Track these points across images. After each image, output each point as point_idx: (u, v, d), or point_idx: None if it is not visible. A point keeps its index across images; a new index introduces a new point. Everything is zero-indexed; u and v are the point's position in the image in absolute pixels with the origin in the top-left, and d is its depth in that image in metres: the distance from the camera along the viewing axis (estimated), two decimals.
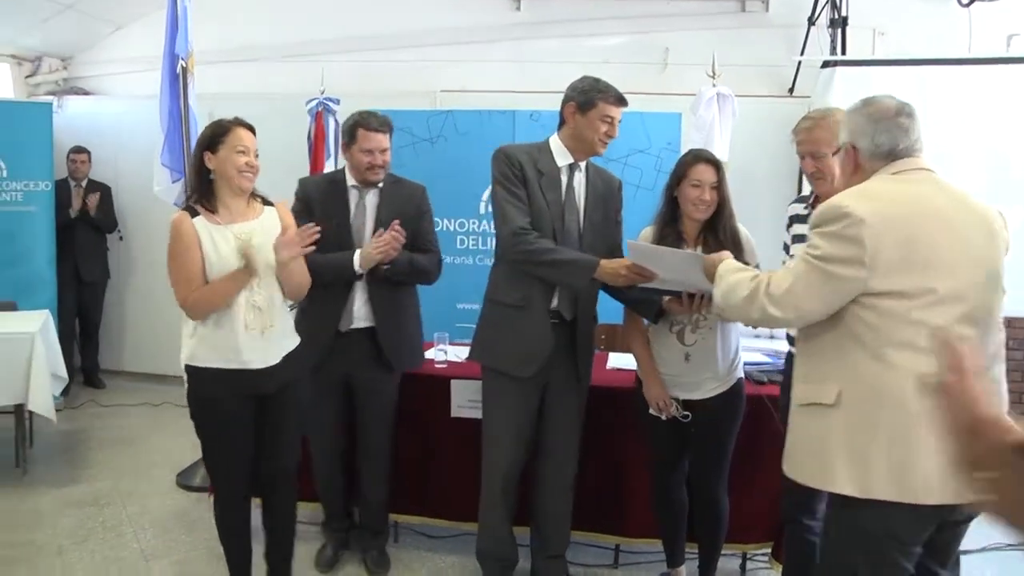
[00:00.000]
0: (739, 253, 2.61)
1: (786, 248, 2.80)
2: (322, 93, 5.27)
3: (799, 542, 2.70)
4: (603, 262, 2.66)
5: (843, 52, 5.00)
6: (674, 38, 5.51)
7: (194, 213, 2.63)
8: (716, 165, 2.74)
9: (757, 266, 2.62)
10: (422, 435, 3.39)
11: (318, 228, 2.66)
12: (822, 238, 1.86)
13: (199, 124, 4.04)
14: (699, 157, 2.76)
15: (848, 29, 5.03)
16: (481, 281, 3.05)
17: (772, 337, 3.75)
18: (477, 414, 3.10)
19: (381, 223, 3.08)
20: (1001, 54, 4.68)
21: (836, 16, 5.05)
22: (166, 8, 3.97)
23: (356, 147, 3.08)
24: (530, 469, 3.03)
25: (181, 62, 3.94)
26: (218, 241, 2.61)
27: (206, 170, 2.66)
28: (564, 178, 2.84)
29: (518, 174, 2.77)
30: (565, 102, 2.81)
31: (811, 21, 5.11)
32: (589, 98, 2.74)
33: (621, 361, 3.46)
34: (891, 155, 1.94)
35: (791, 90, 5.34)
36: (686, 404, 2.82)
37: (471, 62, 5.70)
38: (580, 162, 2.86)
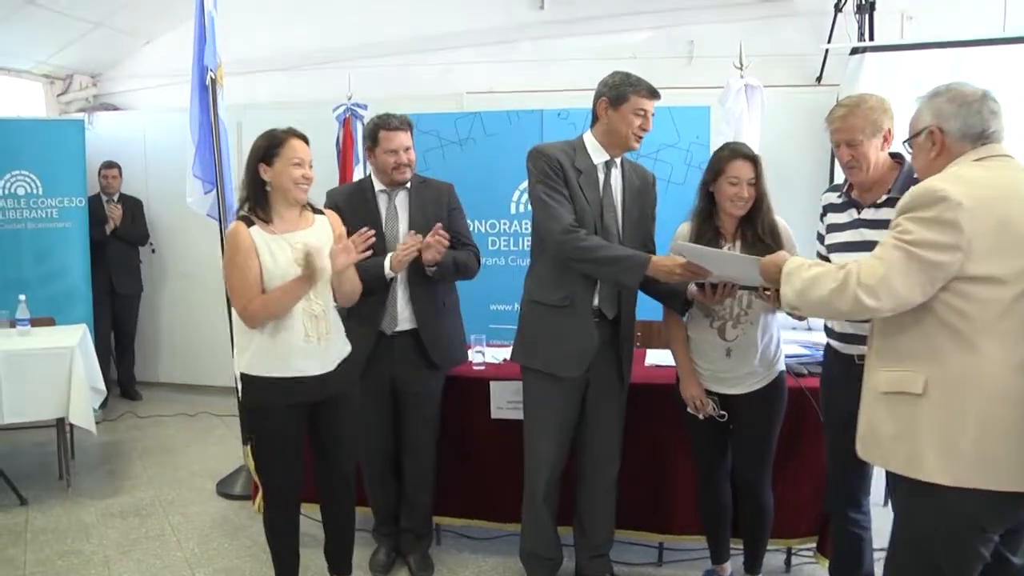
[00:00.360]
0: (779, 246, 2.57)
1: (820, 238, 2.74)
2: (349, 99, 5.29)
3: (846, 535, 2.68)
4: (654, 259, 2.62)
5: (871, 38, 4.92)
6: (699, 30, 5.47)
7: (249, 223, 2.64)
8: (754, 160, 2.69)
9: None
10: (462, 437, 3.38)
11: (372, 232, 2.67)
12: (916, 223, 1.83)
13: (229, 135, 4.09)
14: (736, 153, 2.71)
15: (875, 14, 4.95)
16: (514, 282, 3.04)
17: (809, 329, 3.70)
18: (517, 415, 3.09)
19: (413, 224, 3.08)
20: None
21: (863, 1, 4.97)
22: (193, 21, 4.00)
23: (379, 149, 3.08)
24: (572, 468, 3.02)
25: (210, 74, 3.97)
26: (275, 251, 2.63)
27: (261, 181, 2.66)
28: (601, 175, 2.82)
29: (559, 172, 2.75)
30: (597, 98, 2.79)
31: (837, 8, 5.03)
32: (621, 92, 2.71)
33: (659, 358, 3.43)
34: (981, 138, 1.93)
35: (819, 79, 5.26)
36: (728, 400, 2.79)
37: (496, 63, 5.69)
38: (615, 158, 2.84)
